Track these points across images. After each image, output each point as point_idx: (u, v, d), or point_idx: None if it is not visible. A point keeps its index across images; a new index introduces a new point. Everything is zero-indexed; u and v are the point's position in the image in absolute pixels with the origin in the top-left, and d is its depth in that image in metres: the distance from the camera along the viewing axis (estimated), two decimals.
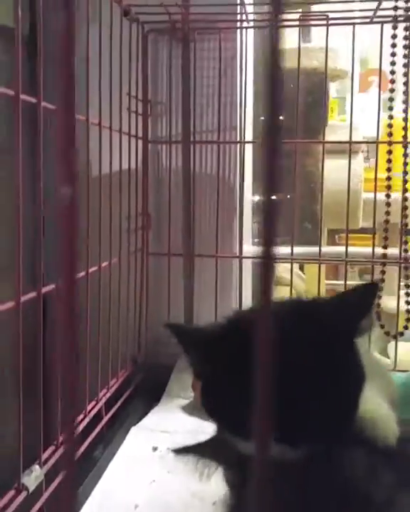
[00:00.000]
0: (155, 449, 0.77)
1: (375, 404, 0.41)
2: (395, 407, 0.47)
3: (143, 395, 0.95)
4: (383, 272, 0.89)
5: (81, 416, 0.74)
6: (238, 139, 0.96)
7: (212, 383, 0.41)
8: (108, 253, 0.84)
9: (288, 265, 0.96)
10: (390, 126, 0.90)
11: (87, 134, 0.73)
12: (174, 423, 0.84)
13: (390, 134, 0.90)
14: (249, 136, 1.00)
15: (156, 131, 1.00)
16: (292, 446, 0.38)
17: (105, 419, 0.81)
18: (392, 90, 0.89)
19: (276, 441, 0.38)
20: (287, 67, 1.48)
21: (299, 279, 1.52)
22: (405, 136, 0.87)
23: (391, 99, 0.89)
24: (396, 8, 0.80)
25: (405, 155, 0.88)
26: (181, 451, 0.45)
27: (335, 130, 1.81)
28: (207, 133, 0.98)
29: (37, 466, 0.62)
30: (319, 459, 0.36)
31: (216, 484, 0.70)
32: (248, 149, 0.99)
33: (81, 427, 0.72)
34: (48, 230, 0.66)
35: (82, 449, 0.72)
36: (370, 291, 0.40)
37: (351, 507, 0.33)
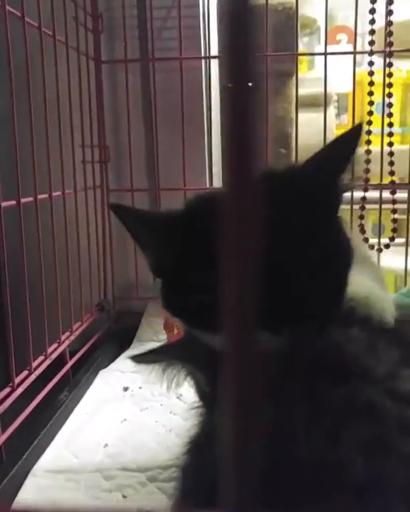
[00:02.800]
0: (126, 389, 0.75)
1: (367, 285, 0.39)
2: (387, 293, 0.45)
3: (114, 341, 0.93)
4: (361, 217, 0.84)
5: (41, 358, 0.71)
6: (203, 54, 0.91)
7: (173, 275, 0.38)
8: (61, 185, 0.80)
9: None
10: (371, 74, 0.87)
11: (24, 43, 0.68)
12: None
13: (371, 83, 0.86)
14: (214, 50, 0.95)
15: (112, 51, 0.94)
16: (274, 333, 0.35)
17: (70, 363, 0.78)
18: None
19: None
20: (258, 4, 1.43)
21: None
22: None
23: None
24: None
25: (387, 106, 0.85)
26: (142, 357, 0.42)
27: (304, 83, 1.76)
28: (168, 51, 0.93)
29: None
30: (310, 339, 0.34)
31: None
32: (214, 66, 0.94)
33: (41, 369, 0.70)
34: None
35: (45, 392, 0.69)
36: (352, 135, 0.37)
37: (351, 382, 0.31)
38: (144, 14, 0.91)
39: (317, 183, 0.37)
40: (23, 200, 0.67)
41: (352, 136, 0.37)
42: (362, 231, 0.77)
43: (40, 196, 0.72)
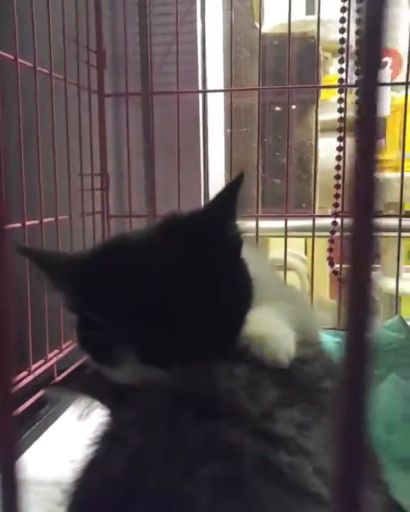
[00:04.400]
0: None
1: (268, 324, 0.41)
2: (310, 332, 0.46)
3: None
4: (330, 250, 0.84)
5: (24, 373, 0.76)
6: (200, 88, 0.96)
7: (79, 312, 0.41)
8: (63, 213, 0.86)
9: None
10: None
11: (35, 85, 0.75)
12: None
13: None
14: (215, 84, 1.00)
15: (115, 85, 1.00)
16: (161, 368, 0.38)
17: (57, 380, 0.82)
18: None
19: (144, 362, 0.38)
20: (278, 33, 1.46)
21: (299, 262, 1.50)
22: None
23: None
24: None
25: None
26: (54, 387, 0.46)
27: (330, 108, 1.75)
28: (167, 84, 0.97)
29: None
30: (189, 375, 0.36)
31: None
32: (211, 99, 0.98)
33: (22, 384, 0.74)
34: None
35: (25, 406, 0.73)
36: (235, 183, 0.39)
37: (215, 420, 0.33)
38: (146, 50, 0.96)
39: (212, 229, 0.40)
40: (28, 223, 0.76)
41: (235, 184, 0.40)
42: (331, 264, 0.77)
43: (44, 220, 0.80)
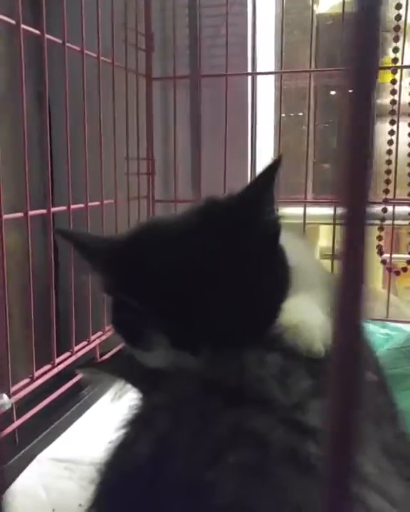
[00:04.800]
0: None
1: (304, 312, 0.39)
2: None
3: None
4: (379, 238, 0.80)
5: (67, 354, 0.77)
6: (249, 71, 0.93)
7: (114, 295, 0.41)
8: (109, 197, 0.86)
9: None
10: None
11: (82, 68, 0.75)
12: None
13: None
14: (266, 68, 0.97)
15: (163, 68, 0.99)
16: (192, 353, 0.37)
17: (99, 361, 0.83)
18: None
19: (175, 347, 0.38)
20: (334, 13, 1.42)
21: None
22: None
23: None
24: None
25: None
26: (87, 368, 0.46)
27: (387, 90, 1.72)
28: (216, 67, 0.96)
29: (5, 395, 0.65)
30: (218, 362, 0.36)
31: None
32: (262, 82, 0.96)
33: (64, 365, 0.75)
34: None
35: (67, 386, 0.74)
36: (272, 168, 0.38)
37: (242, 407, 0.32)
38: (195, 32, 0.95)
39: (248, 213, 0.38)
40: (73, 207, 0.77)
41: (272, 169, 0.38)
42: (380, 253, 0.74)
43: (90, 204, 0.81)
